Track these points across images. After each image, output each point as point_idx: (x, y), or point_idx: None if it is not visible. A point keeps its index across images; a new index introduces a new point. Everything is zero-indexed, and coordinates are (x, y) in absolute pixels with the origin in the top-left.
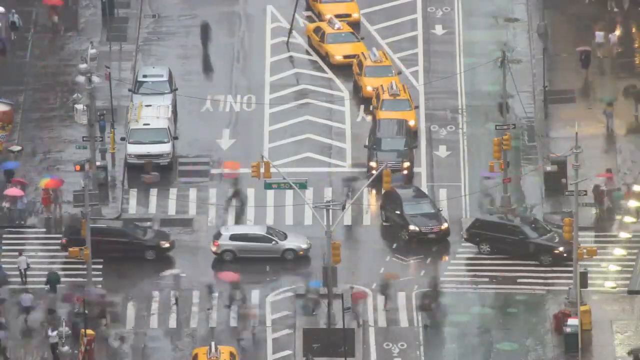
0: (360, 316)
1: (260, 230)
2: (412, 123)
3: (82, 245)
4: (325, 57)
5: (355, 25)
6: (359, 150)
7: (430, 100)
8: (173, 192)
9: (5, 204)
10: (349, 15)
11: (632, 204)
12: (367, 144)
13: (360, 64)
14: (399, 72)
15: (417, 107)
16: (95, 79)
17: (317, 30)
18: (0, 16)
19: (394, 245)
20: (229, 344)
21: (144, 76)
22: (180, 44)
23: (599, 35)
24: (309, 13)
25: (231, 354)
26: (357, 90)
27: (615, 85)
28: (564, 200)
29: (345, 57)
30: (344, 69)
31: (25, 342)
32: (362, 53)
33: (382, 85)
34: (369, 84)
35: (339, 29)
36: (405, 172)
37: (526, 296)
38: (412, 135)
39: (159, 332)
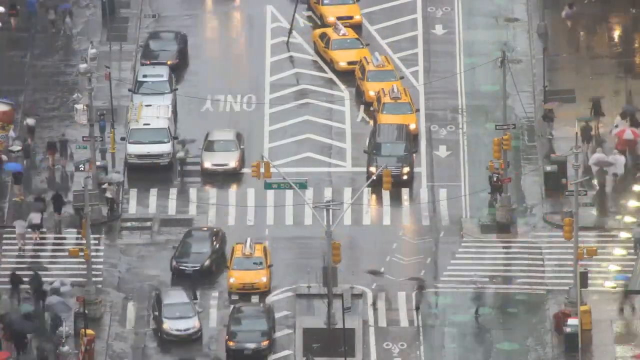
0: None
1: None
2: (412, 127)
3: None
4: (330, 64)
5: (357, 28)
6: (359, 151)
7: (430, 100)
8: (173, 192)
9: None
10: (351, 18)
11: (632, 204)
12: (366, 148)
13: (362, 69)
14: (402, 77)
15: (417, 111)
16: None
17: (323, 36)
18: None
19: (394, 245)
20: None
21: (144, 76)
22: None
23: None
24: (310, 13)
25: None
26: (359, 94)
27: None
28: (564, 200)
29: (350, 63)
30: (347, 74)
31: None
32: (365, 58)
33: (383, 89)
34: (372, 89)
35: (344, 35)
36: (405, 177)
37: (526, 296)
38: (412, 139)
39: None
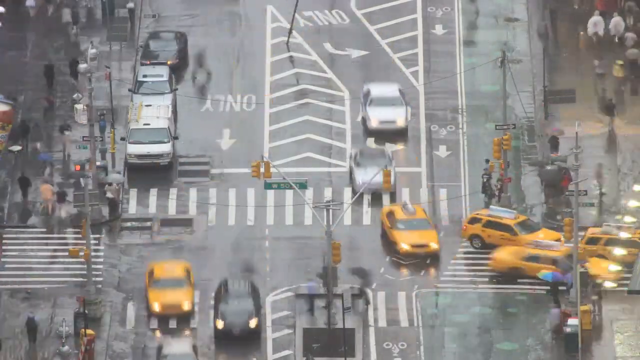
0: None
1: None
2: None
3: None
4: (393, 245)
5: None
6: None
7: (430, 100)
8: (173, 192)
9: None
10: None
11: (632, 203)
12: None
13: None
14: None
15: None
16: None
17: (389, 214)
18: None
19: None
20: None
21: (144, 76)
22: None
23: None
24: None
25: None
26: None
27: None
28: (564, 200)
29: (414, 246)
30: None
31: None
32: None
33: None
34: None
35: (412, 214)
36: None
37: (526, 296)
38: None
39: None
